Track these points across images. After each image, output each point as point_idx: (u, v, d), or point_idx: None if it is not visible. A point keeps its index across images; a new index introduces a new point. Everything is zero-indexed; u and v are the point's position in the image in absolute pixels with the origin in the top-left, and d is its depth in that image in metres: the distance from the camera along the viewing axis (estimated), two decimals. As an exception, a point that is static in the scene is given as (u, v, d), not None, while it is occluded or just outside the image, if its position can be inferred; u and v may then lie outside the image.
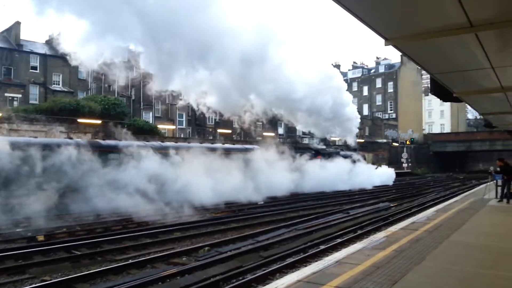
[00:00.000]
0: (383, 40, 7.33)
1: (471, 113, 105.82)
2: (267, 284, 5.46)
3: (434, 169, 67.53)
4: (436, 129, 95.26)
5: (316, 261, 10.10)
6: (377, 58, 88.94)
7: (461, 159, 79.52)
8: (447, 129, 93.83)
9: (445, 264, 6.17)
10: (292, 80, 33.01)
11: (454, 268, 5.93)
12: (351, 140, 43.15)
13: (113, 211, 17.70)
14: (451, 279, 5.42)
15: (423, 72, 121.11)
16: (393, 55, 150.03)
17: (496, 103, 15.19)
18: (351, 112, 40.84)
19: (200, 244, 12.04)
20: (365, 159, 44.73)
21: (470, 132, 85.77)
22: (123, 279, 8.80)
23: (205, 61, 27.58)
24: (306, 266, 7.01)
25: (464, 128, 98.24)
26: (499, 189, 16.61)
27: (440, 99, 15.85)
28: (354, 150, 43.07)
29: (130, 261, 10.26)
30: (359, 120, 44.59)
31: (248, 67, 29.37)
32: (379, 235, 8.57)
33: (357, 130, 44.68)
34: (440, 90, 13.99)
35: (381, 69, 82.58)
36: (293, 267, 9.64)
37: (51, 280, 8.65)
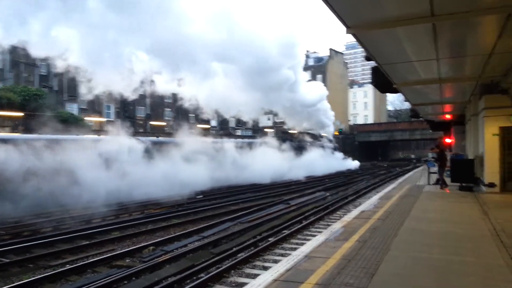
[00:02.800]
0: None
1: (391, 105, 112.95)
2: (243, 286, 5.00)
3: (359, 158, 70.74)
4: (360, 120, 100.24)
5: (269, 254, 10.00)
6: (307, 51, 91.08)
7: (383, 148, 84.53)
8: (371, 120, 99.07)
9: (412, 253, 6.16)
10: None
11: (422, 256, 5.92)
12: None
13: (38, 211, 16.15)
14: (424, 267, 5.38)
15: (350, 65, 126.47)
16: (322, 49, 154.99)
17: (429, 94, 16.04)
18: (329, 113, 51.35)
19: (143, 244, 11.23)
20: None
21: (392, 122, 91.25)
22: (63, 287, 7.86)
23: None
24: (278, 263, 6.62)
25: (385, 119, 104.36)
26: (432, 176, 17.56)
27: (379, 90, 16.34)
28: (330, 141, 52.96)
29: (68, 266, 9.26)
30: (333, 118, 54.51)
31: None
32: (337, 226, 8.47)
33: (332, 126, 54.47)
34: (381, 82, 14.41)
35: (310, 62, 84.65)
36: (246, 262, 9.31)
37: (-27, 295, 7.51)
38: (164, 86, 33.17)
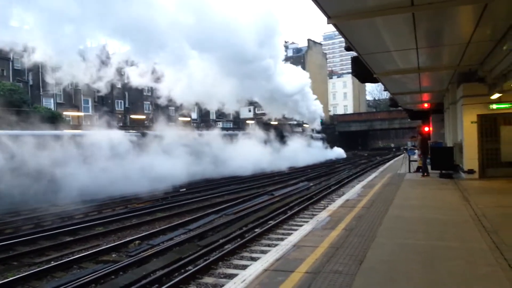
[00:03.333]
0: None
1: (370, 95, 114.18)
2: (233, 277, 5.04)
3: (340, 147, 71.57)
4: (340, 110, 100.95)
5: (256, 245, 10.07)
6: (286, 42, 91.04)
7: (363, 138, 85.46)
8: (350, 110, 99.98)
9: (398, 239, 6.30)
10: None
11: (408, 243, 6.06)
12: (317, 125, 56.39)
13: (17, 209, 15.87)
14: (410, 253, 5.51)
15: (328, 56, 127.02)
16: (300, 40, 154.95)
17: (407, 83, 16.28)
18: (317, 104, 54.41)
19: (129, 238, 11.16)
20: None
21: (371, 112, 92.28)
22: (49, 284, 7.76)
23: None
24: (266, 253, 6.68)
25: (365, 109, 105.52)
26: (413, 164, 17.89)
27: (359, 80, 16.55)
28: (318, 132, 55.80)
29: (53, 263, 9.13)
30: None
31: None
32: (323, 215, 8.58)
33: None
34: (361, 72, 14.59)
35: (290, 53, 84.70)
36: (234, 253, 9.37)
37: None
38: (139, 79, 32.84)
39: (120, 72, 35.07)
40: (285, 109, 49.31)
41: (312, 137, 51.06)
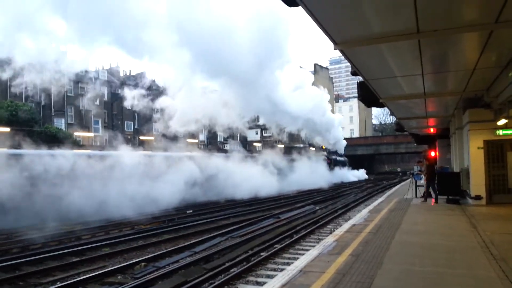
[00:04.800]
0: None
1: (376, 119, 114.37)
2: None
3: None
4: (346, 134, 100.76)
5: (261, 269, 10.01)
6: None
7: (369, 162, 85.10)
8: (356, 134, 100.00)
9: (405, 265, 6.26)
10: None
11: (415, 269, 6.03)
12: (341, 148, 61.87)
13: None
14: (417, 280, 5.49)
15: (334, 80, 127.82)
16: (306, 65, 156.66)
17: (413, 108, 16.37)
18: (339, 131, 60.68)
19: (135, 260, 11.14)
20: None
21: (377, 136, 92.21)
22: (54, 306, 7.76)
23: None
24: (271, 278, 6.67)
25: (371, 133, 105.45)
26: (419, 189, 17.80)
27: (366, 105, 16.66)
28: (341, 156, 61.93)
29: (59, 283, 9.13)
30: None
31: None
32: (329, 239, 8.55)
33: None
34: (367, 96, 14.70)
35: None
36: (239, 277, 9.31)
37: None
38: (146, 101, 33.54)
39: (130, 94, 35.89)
40: (304, 132, 52.95)
41: (336, 160, 57.39)
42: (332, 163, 55.00)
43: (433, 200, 15.64)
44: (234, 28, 34.52)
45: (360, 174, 61.43)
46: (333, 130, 58.07)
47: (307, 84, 51.10)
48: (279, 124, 47.49)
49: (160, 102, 36.47)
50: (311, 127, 51.87)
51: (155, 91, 43.73)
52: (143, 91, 39.41)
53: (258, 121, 57.35)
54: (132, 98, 37.15)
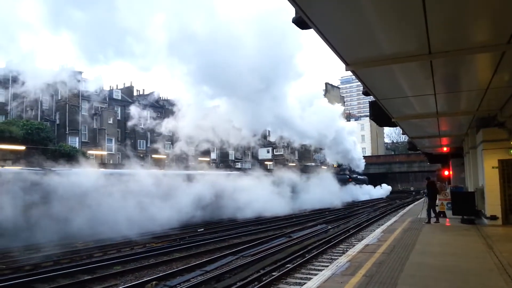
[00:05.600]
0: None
1: (388, 138, 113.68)
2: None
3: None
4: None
5: (274, 289, 9.92)
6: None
7: (382, 180, 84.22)
8: (368, 153, 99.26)
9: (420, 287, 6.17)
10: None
11: (430, 291, 5.93)
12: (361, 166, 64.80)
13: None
14: (433, 302, 5.38)
15: (346, 99, 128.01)
16: (318, 83, 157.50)
17: (426, 127, 16.29)
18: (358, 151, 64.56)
19: (146, 278, 11.16)
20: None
21: (389, 155, 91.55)
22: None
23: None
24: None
25: (383, 152, 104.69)
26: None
27: (378, 124, 16.61)
28: (361, 175, 64.60)
29: (71, 302, 9.17)
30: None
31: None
32: (342, 260, 8.47)
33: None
34: (379, 116, 14.68)
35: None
36: (251, 297, 9.25)
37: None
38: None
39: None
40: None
41: (357, 179, 60.19)
42: (353, 181, 58.02)
43: (447, 220, 15.37)
44: (242, 41, 35.02)
45: (384, 192, 64.17)
46: (353, 150, 61.19)
47: (319, 98, 51.82)
48: (288, 140, 47.94)
49: (169, 122, 37.01)
50: (323, 142, 53.22)
51: (166, 109, 44.26)
52: (152, 112, 40.07)
53: (269, 136, 58.00)
54: (143, 118, 37.73)
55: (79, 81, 40.00)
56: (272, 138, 56.02)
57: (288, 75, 40.87)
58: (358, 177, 62.28)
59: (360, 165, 64.59)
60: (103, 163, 35.85)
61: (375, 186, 77.50)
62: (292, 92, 44.29)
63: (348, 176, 57.35)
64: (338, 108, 57.43)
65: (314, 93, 52.84)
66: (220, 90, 35.69)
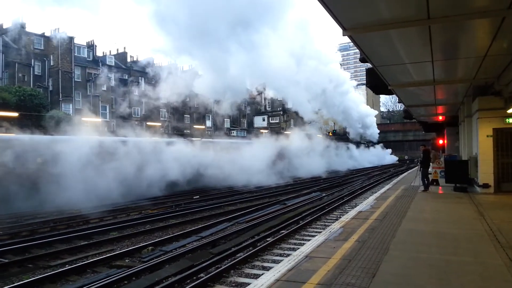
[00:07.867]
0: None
1: (384, 106, 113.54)
2: (245, 286, 5.08)
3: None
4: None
5: (267, 254, 10.08)
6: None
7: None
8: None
9: (411, 253, 6.27)
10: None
11: (421, 256, 6.03)
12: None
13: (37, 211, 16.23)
14: (424, 267, 5.48)
15: (343, 67, 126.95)
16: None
17: (422, 95, 16.22)
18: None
19: (142, 244, 11.29)
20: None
21: (385, 123, 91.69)
22: (63, 287, 7.89)
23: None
24: (277, 263, 6.73)
25: (379, 120, 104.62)
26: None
27: (374, 92, 16.52)
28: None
29: (67, 266, 9.29)
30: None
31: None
32: (335, 226, 8.57)
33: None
34: (376, 84, 14.58)
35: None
36: (245, 262, 9.38)
37: (-26, 295, 7.52)
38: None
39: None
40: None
41: (372, 144, 66.65)
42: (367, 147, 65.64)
43: (440, 188, 15.52)
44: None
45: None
46: (368, 118, 65.74)
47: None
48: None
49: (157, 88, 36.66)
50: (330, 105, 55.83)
51: (159, 76, 43.75)
52: (148, 79, 39.40)
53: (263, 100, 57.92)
54: (138, 85, 37.24)
55: (71, 47, 39.28)
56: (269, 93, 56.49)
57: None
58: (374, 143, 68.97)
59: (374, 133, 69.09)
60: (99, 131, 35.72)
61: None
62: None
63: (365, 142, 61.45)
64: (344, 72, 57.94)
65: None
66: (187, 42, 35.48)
